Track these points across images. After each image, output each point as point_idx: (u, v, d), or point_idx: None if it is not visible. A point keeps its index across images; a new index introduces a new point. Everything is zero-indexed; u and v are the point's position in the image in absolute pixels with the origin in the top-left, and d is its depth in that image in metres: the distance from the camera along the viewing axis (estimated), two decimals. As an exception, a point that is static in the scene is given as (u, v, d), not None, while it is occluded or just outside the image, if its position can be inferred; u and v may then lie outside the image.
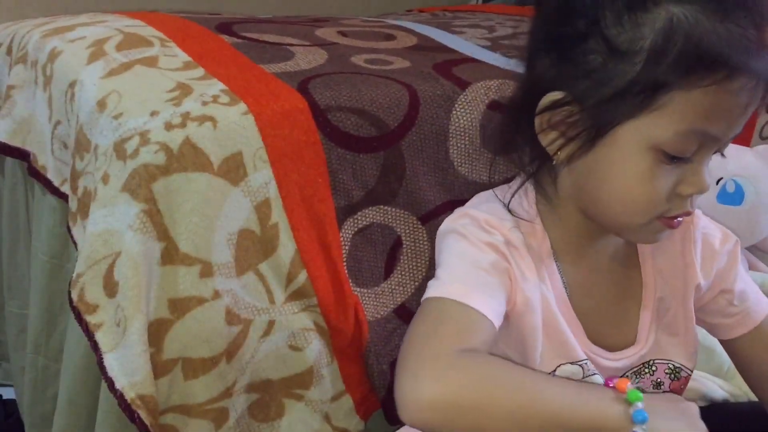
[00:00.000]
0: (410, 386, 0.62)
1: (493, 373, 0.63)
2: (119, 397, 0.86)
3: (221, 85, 0.98)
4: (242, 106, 0.94)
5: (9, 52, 1.26)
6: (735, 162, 1.19)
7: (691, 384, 0.94)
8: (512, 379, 0.64)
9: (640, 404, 0.61)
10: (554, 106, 0.67)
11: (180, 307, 0.91)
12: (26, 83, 1.19)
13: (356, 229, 1.01)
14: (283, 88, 1.00)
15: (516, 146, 0.74)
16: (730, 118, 0.65)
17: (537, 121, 0.68)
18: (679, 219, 0.70)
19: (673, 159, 0.66)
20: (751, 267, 1.23)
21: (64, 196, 1.06)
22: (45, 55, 1.14)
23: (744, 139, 1.35)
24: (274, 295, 0.97)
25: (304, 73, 1.06)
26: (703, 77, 0.62)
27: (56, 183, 1.09)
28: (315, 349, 1.00)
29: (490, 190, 0.77)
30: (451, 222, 0.73)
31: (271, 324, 0.97)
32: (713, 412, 0.94)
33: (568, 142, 0.68)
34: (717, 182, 1.18)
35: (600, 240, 0.76)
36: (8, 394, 1.46)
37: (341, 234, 1.00)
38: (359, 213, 1.01)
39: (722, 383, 1.04)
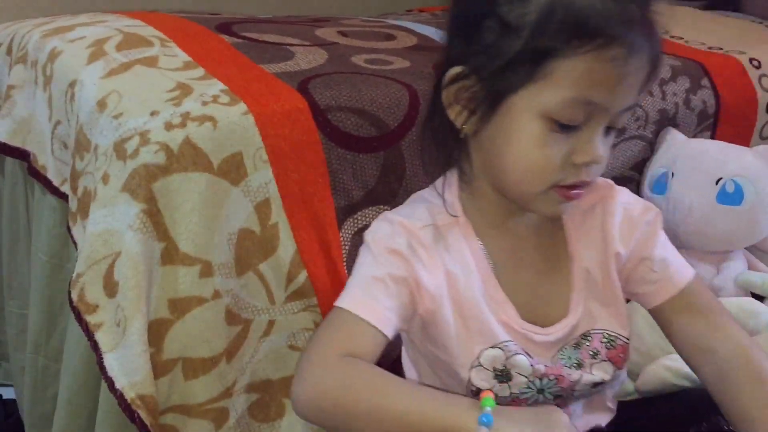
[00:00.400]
0: (295, 385, 0.72)
1: (357, 378, 0.70)
2: (119, 397, 0.86)
3: (221, 85, 0.98)
4: (242, 106, 0.94)
5: (9, 52, 1.26)
6: (735, 162, 1.19)
7: (676, 365, 0.96)
8: (372, 384, 0.69)
9: (488, 409, 0.65)
10: (456, 79, 0.74)
11: (180, 307, 0.91)
12: (26, 83, 1.19)
13: (356, 229, 1.01)
14: (283, 88, 1.00)
15: (437, 131, 0.80)
16: (610, 86, 0.70)
17: (444, 95, 0.75)
18: (577, 191, 0.74)
19: (563, 127, 0.71)
20: (751, 267, 1.23)
21: (64, 196, 1.06)
22: (45, 55, 1.14)
23: (744, 139, 1.35)
24: (274, 295, 0.97)
25: (304, 73, 1.06)
26: (582, 44, 0.68)
27: (56, 183, 1.09)
28: (315, 349, 1.00)
29: (424, 190, 0.83)
30: (368, 230, 0.79)
31: (271, 324, 0.97)
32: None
33: (470, 114, 0.74)
34: (717, 182, 1.18)
35: (520, 216, 0.80)
36: (8, 394, 1.45)
37: (341, 234, 1.00)
38: (359, 213, 1.01)
39: None
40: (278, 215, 0.95)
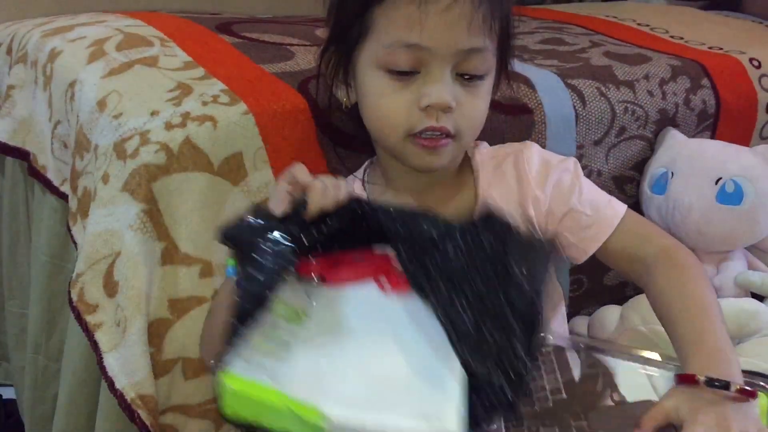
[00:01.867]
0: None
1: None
2: (119, 397, 0.86)
3: (221, 85, 0.98)
4: (242, 106, 0.94)
5: (9, 51, 1.26)
6: (735, 162, 1.19)
7: None
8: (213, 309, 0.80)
9: (230, 265, 0.69)
10: (323, 53, 0.83)
11: (180, 307, 0.91)
12: (26, 83, 1.19)
13: (356, 228, 1.01)
14: (283, 88, 1.00)
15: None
16: (423, 26, 0.73)
17: (325, 77, 0.84)
18: (432, 140, 0.77)
19: (400, 74, 0.76)
20: (751, 267, 1.23)
21: (64, 196, 1.06)
22: (45, 54, 1.14)
23: (744, 139, 1.35)
24: (274, 295, 0.97)
25: (305, 72, 1.06)
26: None
27: (56, 183, 1.09)
28: (315, 348, 1.00)
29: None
30: None
31: (271, 324, 0.97)
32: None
33: (340, 84, 0.82)
34: (716, 182, 1.18)
35: (422, 175, 0.84)
36: (8, 394, 1.46)
37: (341, 234, 1.00)
38: (359, 213, 1.01)
39: None
40: (278, 215, 0.95)
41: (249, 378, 0.59)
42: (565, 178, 0.86)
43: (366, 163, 0.92)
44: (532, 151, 0.88)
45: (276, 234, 0.63)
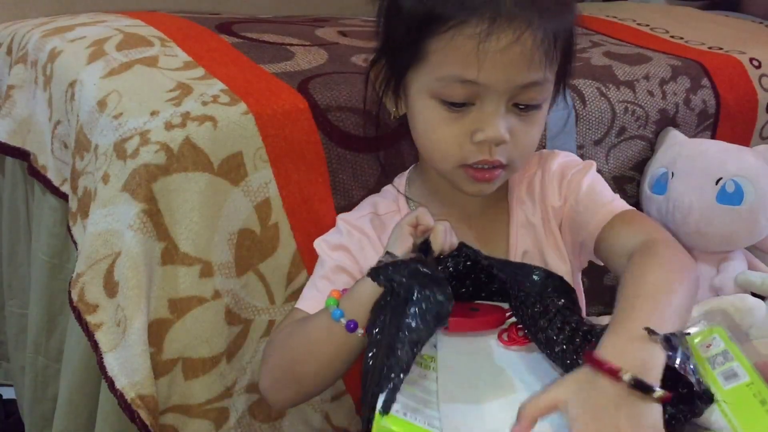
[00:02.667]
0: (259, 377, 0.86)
1: (291, 334, 0.81)
2: (119, 397, 0.86)
3: (221, 85, 0.98)
4: (242, 106, 0.94)
5: (9, 52, 1.26)
6: (735, 162, 1.19)
7: None
8: (300, 330, 0.80)
9: (333, 307, 0.75)
10: (372, 64, 0.81)
11: (180, 306, 0.91)
12: (26, 83, 1.19)
13: (356, 229, 1.01)
14: (283, 88, 1.00)
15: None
16: (479, 63, 0.71)
17: (370, 83, 0.82)
18: (485, 172, 0.76)
19: (453, 105, 0.74)
20: (751, 267, 1.22)
21: (64, 196, 1.06)
22: (45, 54, 1.14)
23: (744, 139, 1.35)
24: (274, 295, 0.97)
25: (305, 73, 1.06)
26: (443, 24, 0.71)
27: (56, 183, 1.09)
28: (315, 348, 1.00)
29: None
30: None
31: (271, 324, 0.97)
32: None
33: (389, 95, 0.81)
34: (717, 182, 1.17)
35: (458, 193, 0.83)
36: (8, 394, 1.46)
37: (341, 234, 1.00)
38: (359, 213, 1.01)
39: None
40: (278, 215, 0.95)
41: (408, 421, 0.61)
42: (572, 181, 0.85)
43: (407, 173, 0.90)
44: (554, 161, 0.86)
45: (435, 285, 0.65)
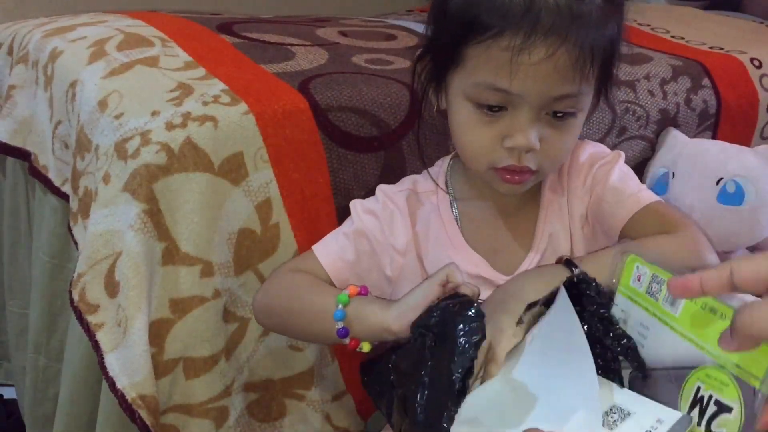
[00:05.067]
0: (255, 295, 0.90)
1: (297, 282, 0.86)
2: (120, 397, 0.86)
3: (222, 85, 0.98)
4: (243, 106, 0.94)
5: (10, 52, 1.26)
6: (735, 162, 1.19)
7: None
8: (306, 286, 0.85)
9: (341, 305, 0.77)
10: (419, 58, 0.82)
11: (181, 306, 0.91)
12: (27, 83, 1.19)
13: (357, 229, 1.01)
14: (283, 88, 1.00)
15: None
16: (513, 74, 0.72)
17: (415, 76, 0.83)
18: (514, 175, 0.78)
19: (488, 109, 0.75)
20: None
21: (65, 196, 1.06)
22: (46, 55, 1.14)
23: (745, 139, 1.35)
24: (275, 295, 0.97)
25: (305, 73, 1.06)
26: (480, 34, 0.72)
27: (57, 183, 1.09)
28: (315, 348, 1.00)
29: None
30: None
31: (271, 324, 0.97)
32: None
33: (430, 88, 0.82)
34: (717, 182, 1.18)
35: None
36: (9, 394, 1.46)
37: (342, 234, 1.00)
38: (360, 213, 1.01)
39: None
40: (279, 215, 0.95)
41: None
42: (600, 171, 0.85)
43: (447, 161, 0.92)
44: (583, 149, 0.87)
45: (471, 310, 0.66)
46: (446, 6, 0.77)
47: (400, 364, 0.71)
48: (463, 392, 0.63)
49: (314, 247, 0.89)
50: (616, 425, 0.60)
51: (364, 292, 0.80)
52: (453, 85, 0.79)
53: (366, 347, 0.79)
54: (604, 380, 0.64)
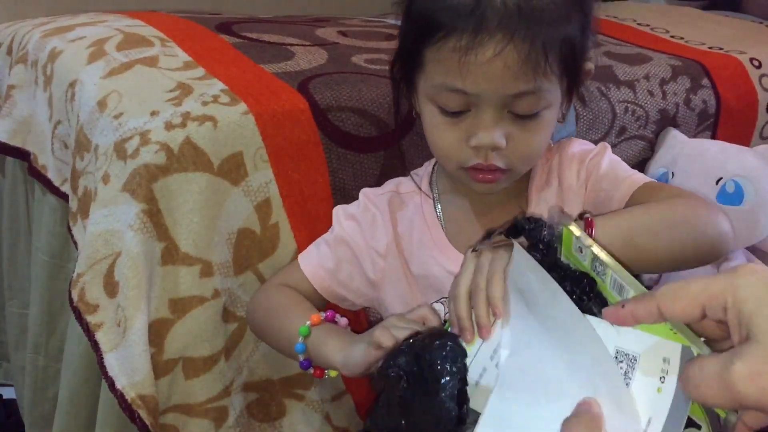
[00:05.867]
0: (249, 302, 0.94)
1: (279, 300, 0.88)
2: (119, 397, 0.86)
3: (221, 85, 0.98)
4: (242, 106, 0.94)
5: (9, 52, 1.26)
6: (735, 162, 1.19)
7: None
8: (286, 305, 0.87)
9: (301, 338, 0.80)
10: (392, 63, 0.82)
11: (181, 306, 0.91)
12: (26, 83, 1.19)
13: (356, 228, 1.01)
14: (283, 88, 1.00)
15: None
16: (465, 74, 0.72)
17: (395, 83, 0.84)
18: (485, 174, 0.78)
19: (447, 113, 0.76)
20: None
21: (64, 196, 1.06)
22: (45, 54, 1.14)
23: (744, 139, 1.35)
24: (275, 295, 0.97)
25: (305, 73, 1.06)
26: (432, 36, 0.73)
27: (56, 183, 1.09)
28: (315, 348, 1.00)
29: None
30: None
31: (271, 324, 0.97)
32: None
33: (403, 92, 0.83)
34: (717, 182, 1.18)
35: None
36: (8, 394, 1.46)
37: (341, 234, 1.00)
38: (359, 213, 1.01)
39: None
40: (279, 215, 0.95)
41: None
42: (591, 164, 0.85)
43: (433, 162, 0.92)
44: (571, 146, 0.88)
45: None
46: (408, 9, 0.78)
47: (381, 422, 0.68)
48: (462, 420, 0.61)
49: (299, 257, 0.92)
50: (629, 378, 0.57)
51: (330, 317, 0.82)
52: (419, 88, 0.79)
53: (333, 374, 0.81)
54: (588, 320, 0.60)
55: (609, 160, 0.86)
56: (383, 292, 0.88)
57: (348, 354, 0.75)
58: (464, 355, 0.63)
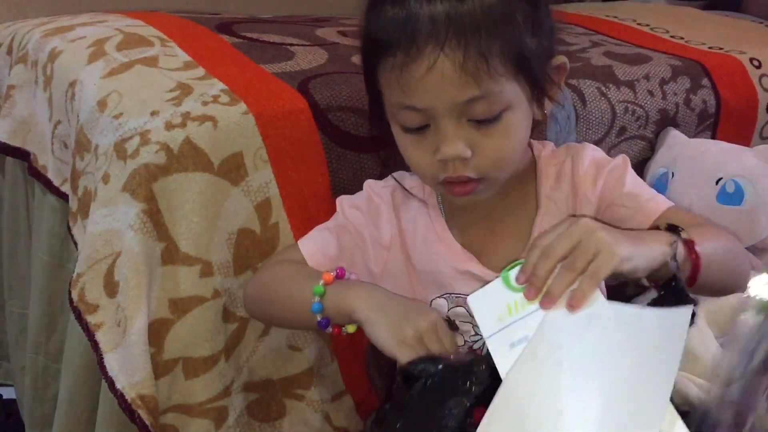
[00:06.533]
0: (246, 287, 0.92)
1: (281, 271, 0.87)
2: (119, 397, 0.86)
3: (221, 85, 0.98)
4: (242, 106, 0.94)
5: (9, 51, 1.26)
6: (735, 162, 1.19)
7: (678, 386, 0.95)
8: (290, 274, 0.85)
9: (317, 297, 0.78)
10: (366, 86, 0.81)
11: (181, 306, 0.91)
12: (26, 83, 1.19)
13: (356, 228, 1.01)
14: (283, 88, 1.00)
15: None
16: (412, 89, 0.72)
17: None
18: (460, 186, 0.77)
19: (410, 130, 0.76)
20: (751, 267, 1.22)
21: (64, 196, 1.06)
22: (45, 54, 1.14)
23: (744, 139, 1.35)
24: (275, 295, 0.97)
25: (305, 72, 1.06)
26: (378, 56, 0.73)
27: (56, 183, 1.09)
28: (315, 348, 1.00)
29: None
30: None
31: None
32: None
33: (377, 112, 0.81)
34: (717, 182, 1.18)
35: None
36: (8, 394, 1.46)
37: (341, 234, 1.00)
38: (359, 213, 1.01)
39: (701, 383, 1.03)
40: (278, 215, 0.95)
41: None
42: (611, 176, 0.84)
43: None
44: (585, 152, 0.86)
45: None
46: (360, 33, 0.78)
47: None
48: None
49: (299, 241, 0.89)
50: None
51: (340, 274, 0.81)
52: (385, 107, 0.79)
53: (351, 329, 0.80)
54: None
55: (633, 177, 0.85)
56: (382, 284, 0.86)
57: (379, 315, 0.74)
58: (485, 384, 0.64)
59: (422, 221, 0.87)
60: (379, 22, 0.73)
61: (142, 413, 0.86)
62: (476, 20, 0.70)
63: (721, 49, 1.43)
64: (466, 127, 0.73)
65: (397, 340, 0.71)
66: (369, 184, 0.91)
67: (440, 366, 0.66)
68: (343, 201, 0.90)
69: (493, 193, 0.81)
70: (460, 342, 0.84)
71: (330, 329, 0.80)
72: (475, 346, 0.84)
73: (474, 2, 0.70)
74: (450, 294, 0.84)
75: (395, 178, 0.90)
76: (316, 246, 0.88)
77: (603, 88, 1.20)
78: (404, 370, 0.68)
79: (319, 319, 0.79)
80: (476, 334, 0.83)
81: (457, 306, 0.83)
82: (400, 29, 0.71)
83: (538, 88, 0.77)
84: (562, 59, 0.80)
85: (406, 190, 0.88)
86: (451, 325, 0.83)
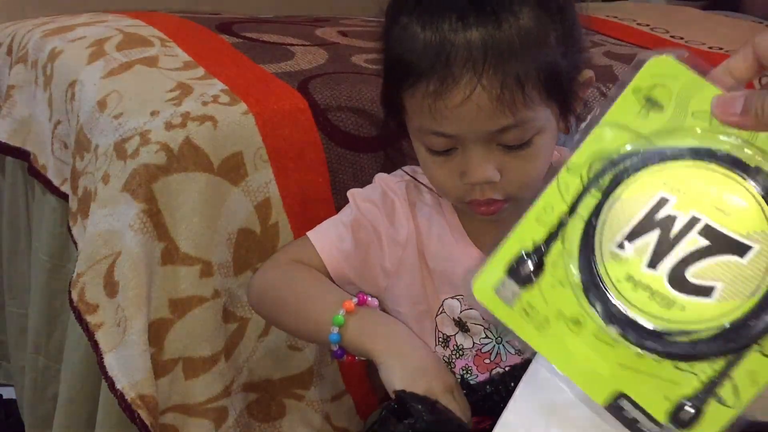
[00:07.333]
0: (250, 280, 0.89)
1: (296, 275, 0.83)
2: (119, 396, 0.86)
3: (221, 85, 0.98)
4: (242, 106, 0.94)
5: (9, 52, 1.27)
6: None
7: None
8: (305, 282, 0.81)
9: (335, 328, 0.74)
10: (382, 97, 0.80)
11: (181, 306, 0.91)
12: (26, 83, 1.19)
13: (356, 228, 1.01)
14: (283, 88, 1.00)
15: None
16: (441, 116, 0.70)
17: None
18: (486, 207, 0.75)
19: (436, 152, 0.74)
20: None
21: (64, 196, 1.06)
22: (45, 54, 1.14)
23: (744, 139, 1.35)
24: (275, 295, 0.97)
25: (305, 72, 1.06)
26: (404, 82, 0.71)
27: (56, 183, 1.09)
28: (315, 348, 1.00)
29: None
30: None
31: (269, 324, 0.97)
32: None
33: (397, 129, 0.80)
34: (717, 182, 1.17)
35: None
36: (8, 394, 1.46)
37: (341, 234, 1.00)
38: (359, 213, 1.01)
39: None
40: (278, 215, 0.95)
41: None
42: None
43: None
44: None
45: None
46: (384, 54, 0.76)
47: None
48: None
49: (310, 235, 0.85)
50: None
51: (362, 300, 0.77)
52: (408, 127, 0.77)
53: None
54: None
55: None
56: (396, 282, 0.84)
57: (396, 361, 0.71)
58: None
59: (437, 219, 0.84)
60: (409, 45, 0.70)
61: (142, 413, 0.86)
62: (514, 46, 0.68)
63: (721, 49, 1.43)
64: (495, 151, 0.72)
65: (408, 386, 0.69)
66: (382, 178, 0.87)
67: (435, 416, 0.64)
68: (355, 194, 0.86)
69: (513, 209, 0.79)
70: (469, 345, 0.83)
71: (344, 359, 0.77)
72: (485, 349, 0.82)
73: (511, 28, 0.68)
74: (463, 296, 0.82)
75: (407, 173, 0.87)
76: (330, 241, 0.84)
77: (603, 88, 1.20)
78: (400, 397, 0.66)
79: (335, 349, 0.76)
80: (487, 336, 0.82)
81: (470, 308, 0.81)
82: (433, 56, 0.68)
83: (567, 107, 0.76)
84: (589, 74, 0.78)
85: (422, 184, 0.85)
86: (463, 327, 0.82)
